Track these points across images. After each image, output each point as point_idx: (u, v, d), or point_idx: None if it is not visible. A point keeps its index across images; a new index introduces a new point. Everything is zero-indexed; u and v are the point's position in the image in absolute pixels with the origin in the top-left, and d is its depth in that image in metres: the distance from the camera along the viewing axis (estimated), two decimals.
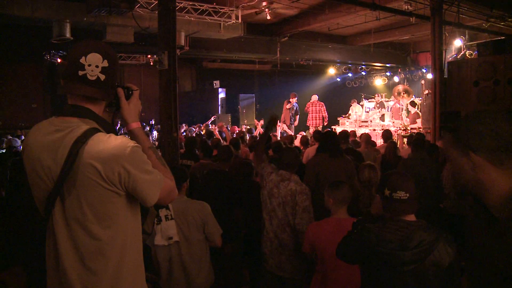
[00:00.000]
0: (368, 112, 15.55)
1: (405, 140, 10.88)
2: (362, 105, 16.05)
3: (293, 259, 3.93)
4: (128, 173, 1.70)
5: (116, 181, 1.70)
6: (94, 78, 1.76)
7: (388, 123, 14.13)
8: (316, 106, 14.74)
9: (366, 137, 8.20)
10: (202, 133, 11.53)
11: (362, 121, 14.49)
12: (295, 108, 14.47)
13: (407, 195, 2.39)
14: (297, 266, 3.94)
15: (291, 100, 14.35)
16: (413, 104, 13.46)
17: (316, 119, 14.66)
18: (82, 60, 1.75)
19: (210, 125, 12.93)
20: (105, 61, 1.78)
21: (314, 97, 14.90)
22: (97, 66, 1.76)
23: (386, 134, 8.66)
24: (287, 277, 3.95)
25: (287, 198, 3.92)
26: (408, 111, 14.00)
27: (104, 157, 1.68)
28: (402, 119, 13.80)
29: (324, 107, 14.77)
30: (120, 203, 1.77)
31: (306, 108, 14.85)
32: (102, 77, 1.78)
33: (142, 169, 1.75)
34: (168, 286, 3.49)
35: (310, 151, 7.08)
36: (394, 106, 14.65)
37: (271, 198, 4.01)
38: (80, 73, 1.75)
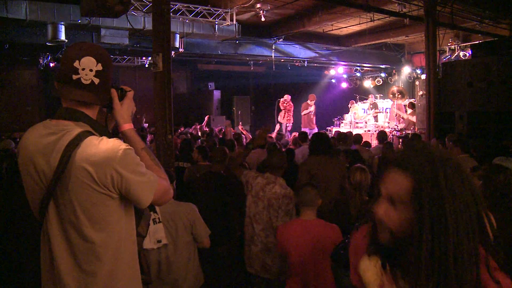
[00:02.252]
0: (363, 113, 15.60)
1: (400, 140, 10.94)
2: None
3: (277, 261, 3.96)
4: (120, 176, 1.70)
5: (109, 184, 1.70)
6: (88, 82, 1.76)
7: (383, 124, 14.17)
8: (290, 106, 14.79)
9: (358, 138, 8.22)
10: (199, 134, 11.54)
11: (357, 122, 14.53)
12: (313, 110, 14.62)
13: None
14: (282, 268, 3.97)
15: (310, 102, 14.42)
16: (411, 105, 13.53)
17: (292, 118, 14.75)
18: (76, 64, 1.74)
19: (204, 126, 12.91)
20: (99, 64, 1.78)
21: (288, 97, 14.86)
22: (91, 70, 1.76)
23: (381, 135, 8.70)
24: (273, 278, 3.98)
25: (271, 201, 3.95)
26: (405, 112, 14.06)
27: (96, 161, 1.68)
28: (399, 121, 13.82)
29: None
30: (113, 206, 1.77)
31: (281, 105, 14.81)
32: (97, 80, 1.78)
33: (135, 171, 1.74)
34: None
35: (304, 151, 7.11)
36: (392, 108, 14.69)
37: (258, 201, 4.02)
38: (74, 77, 1.75)
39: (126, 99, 1.97)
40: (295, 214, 3.95)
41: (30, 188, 1.79)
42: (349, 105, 16.14)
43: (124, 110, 1.96)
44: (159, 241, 3.38)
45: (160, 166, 1.97)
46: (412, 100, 14.24)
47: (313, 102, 14.60)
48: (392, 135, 12.36)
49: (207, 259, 4.06)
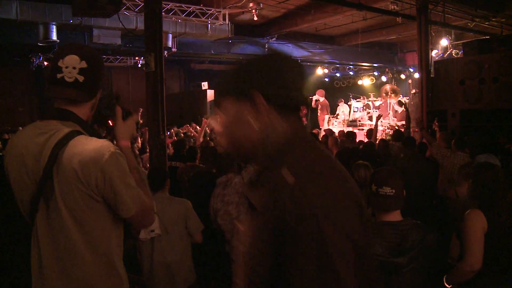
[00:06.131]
0: (356, 112, 15.62)
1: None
2: (350, 105, 16.08)
3: None
4: (104, 178, 1.67)
5: (93, 184, 1.67)
6: (72, 80, 1.74)
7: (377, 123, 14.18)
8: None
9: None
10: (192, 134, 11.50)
11: (350, 121, 14.55)
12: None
13: (393, 191, 2.38)
14: None
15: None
16: (400, 103, 13.56)
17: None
18: (60, 62, 1.74)
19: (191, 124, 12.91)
20: (83, 62, 1.75)
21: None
22: (74, 68, 1.74)
23: (371, 133, 8.71)
24: None
25: (234, 198, 3.84)
26: (395, 111, 14.09)
27: (82, 160, 1.66)
28: (389, 118, 13.87)
29: None
30: (99, 210, 1.73)
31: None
32: (81, 78, 1.75)
33: (120, 176, 1.71)
34: (150, 283, 3.54)
35: None
36: (381, 106, 14.74)
37: (227, 207, 3.85)
38: (58, 75, 1.73)
39: (130, 119, 1.99)
40: None
41: (20, 189, 1.77)
42: (338, 104, 16.12)
43: (126, 128, 1.97)
44: (152, 231, 3.43)
45: (148, 187, 1.93)
46: (403, 99, 14.27)
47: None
48: (385, 133, 12.38)
49: (203, 258, 4.06)
